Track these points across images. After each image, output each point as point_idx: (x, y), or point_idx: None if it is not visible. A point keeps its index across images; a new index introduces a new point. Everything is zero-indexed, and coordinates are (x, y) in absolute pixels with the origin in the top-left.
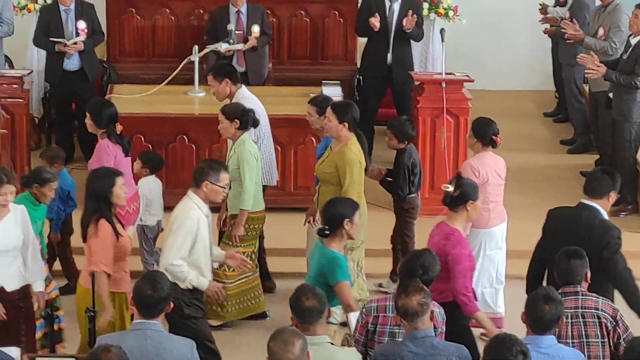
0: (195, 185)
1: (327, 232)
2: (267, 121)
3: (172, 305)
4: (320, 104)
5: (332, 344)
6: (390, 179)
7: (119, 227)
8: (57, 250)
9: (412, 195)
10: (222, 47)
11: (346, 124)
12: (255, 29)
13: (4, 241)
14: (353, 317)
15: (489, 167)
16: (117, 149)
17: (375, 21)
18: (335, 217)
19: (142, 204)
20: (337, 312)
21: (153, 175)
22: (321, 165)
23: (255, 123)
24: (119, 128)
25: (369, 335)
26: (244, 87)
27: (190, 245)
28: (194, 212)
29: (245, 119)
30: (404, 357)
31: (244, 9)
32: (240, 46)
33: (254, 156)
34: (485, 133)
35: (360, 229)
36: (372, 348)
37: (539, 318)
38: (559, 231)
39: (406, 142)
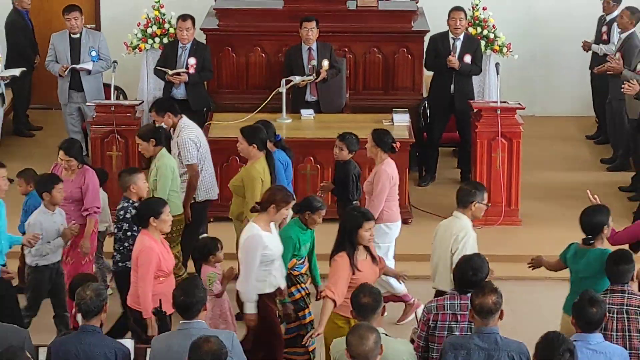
0: (462, 206)
1: (591, 240)
2: (207, 144)
3: (206, 306)
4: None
5: (386, 334)
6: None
7: (362, 262)
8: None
9: (355, 201)
10: (296, 79)
11: (255, 145)
12: (325, 63)
13: (279, 246)
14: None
15: (395, 171)
16: None
17: (453, 60)
18: (596, 225)
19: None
20: None
21: (100, 188)
22: (233, 179)
23: (168, 137)
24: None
25: (429, 331)
26: (184, 117)
27: None
28: (469, 230)
29: (158, 136)
30: (470, 349)
31: (314, 46)
32: (312, 78)
33: (170, 169)
34: (386, 142)
35: None
36: (432, 342)
37: (587, 320)
38: None
39: (352, 155)
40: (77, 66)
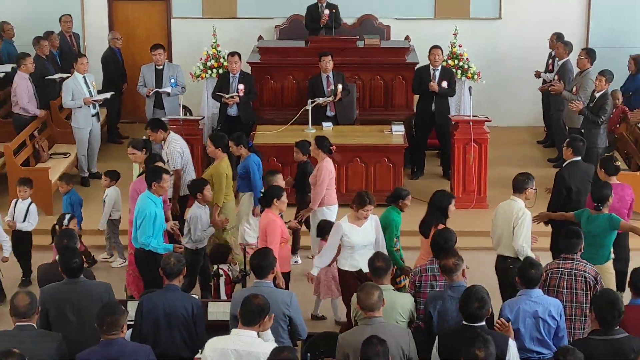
0: (518, 191)
1: (601, 207)
2: (189, 152)
3: (274, 269)
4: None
5: (393, 289)
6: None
7: None
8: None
9: (309, 193)
10: (320, 100)
11: (220, 148)
12: (340, 87)
13: (365, 238)
14: None
15: (332, 167)
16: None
17: (433, 85)
18: (603, 196)
19: (110, 205)
20: None
21: (115, 184)
22: (203, 175)
23: (150, 146)
24: None
25: (416, 289)
26: (172, 132)
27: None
28: (525, 210)
29: (149, 147)
30: (445, 299)
31: (330, 74)
32: (331, 98)
33: None
34: (325, 145)
35: (232, 221)
36: (418, 297)
37: (528, 279)
38: None
39: (307, 156)
40: (160, 90)
